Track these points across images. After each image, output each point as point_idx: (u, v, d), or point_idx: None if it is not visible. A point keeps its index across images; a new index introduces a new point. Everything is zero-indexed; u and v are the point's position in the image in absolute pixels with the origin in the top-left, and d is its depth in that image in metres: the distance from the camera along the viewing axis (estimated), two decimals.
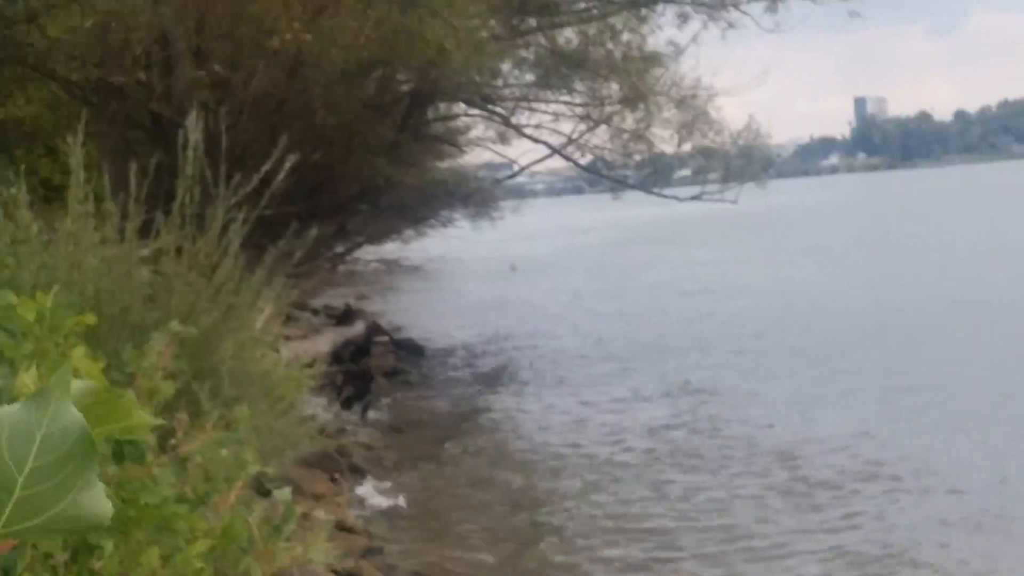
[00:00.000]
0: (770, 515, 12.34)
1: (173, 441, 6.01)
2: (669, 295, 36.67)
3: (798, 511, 12.50)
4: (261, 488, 8.20)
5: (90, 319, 5.39)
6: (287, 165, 10.32)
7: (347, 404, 19.54)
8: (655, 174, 28.61)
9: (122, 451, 5.18)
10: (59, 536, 1.26)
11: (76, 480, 1.23)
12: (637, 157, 27.80)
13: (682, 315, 31.51)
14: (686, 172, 32.23)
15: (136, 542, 5.15)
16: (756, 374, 21.29)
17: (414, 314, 35.29)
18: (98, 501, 1.25)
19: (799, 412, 17.66)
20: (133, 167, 9.30)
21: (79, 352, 5.08)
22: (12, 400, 3.72)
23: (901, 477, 13.50)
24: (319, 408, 11.54)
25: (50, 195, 14.31)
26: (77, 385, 1.30)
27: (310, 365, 11.41)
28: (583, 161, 28.77)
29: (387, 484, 14.29)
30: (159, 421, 1.44)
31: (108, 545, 5.00)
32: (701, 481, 13.84)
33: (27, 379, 4.23)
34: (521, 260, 55.48)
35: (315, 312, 29.11)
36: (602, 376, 22.62)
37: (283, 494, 7.24)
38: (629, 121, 26.07)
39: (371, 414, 19.06)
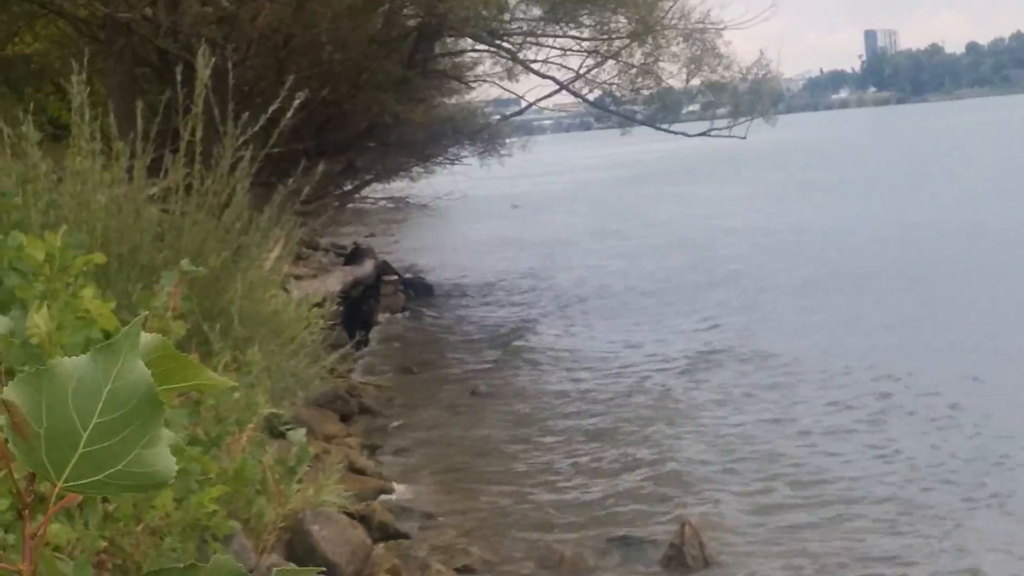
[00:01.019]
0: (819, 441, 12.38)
1: (235, 384, 5.95)
2: (678, 231, 36.55)
3: (842, 437, 12.53)
4: (273, 430, 8.14)
5: (99, 258, 5.31)
6: (295, 102, 10.23)
7: (357, 345, 19.57)
8: (663, 109, 28.43)
9: None
10: (121, 492, 1.23)
11: (141, 437, 1.19)
12: (645, 92, 27.60)
13: (691, 251, 31.40)
14: (695, 107, 32.07)
15: None
16: (773, 307, 21.20)
17: (423, 252, 35.26)
18: (162, 458, 1.21)
19: (827, 340, 17.63)
20: (140, 105, 9.21)
21: (89, 292, 5.00)
22: (24, 340, 3.64)
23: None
24: (329, 348, 11.47)
25: (59, 133, 14.22)
26: (144, 339, 1.25)
27: (320, 305, 11.35)
28: (591, 97, 28.60)
29: (399, 424, 14.26)
30: (229, 382, 1.39)
31: None
32: (728, 413, 13.79)
33: (38, 319, 4.16)
34: (529, 197, 55.45)
35: (324, 251, 29.05)
36: (612, 312, 22.60)
37: (298, 435, 7.19)
38: (637, 55, 25.88)
39: (380, 354, 19.01)
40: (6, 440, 1.22)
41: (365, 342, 20.54)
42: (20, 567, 1.23)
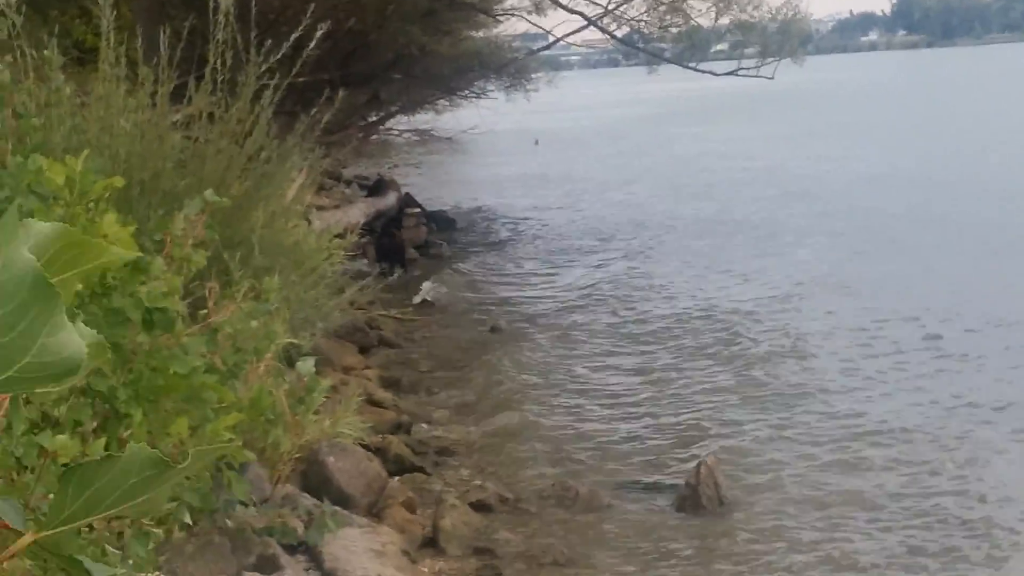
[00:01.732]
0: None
1: (204, 311, 5.94)
2: (701, 171, 36.39)
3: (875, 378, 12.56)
4: (292, 360, 8.14)
5: (118, 182, 5.29)
6: (319, 32, 10.19)
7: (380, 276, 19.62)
8: (691, 48, 28.24)
9: (152, 320, 5.11)
10: (38, 385, 1.19)
11: (41, 326, 1.15)
12: (673, 30, 27.43)
13: (714, 191, 31.27)
14: (723, 47, 31.89)
15: (165, 412, 5.10)
16: (797, 250, 21.12)
17: (446, 186, 35.18)
18: (68, 343, 1.17)
19: (852, 283, 17.61)
20: (166, 31, 9.17)
21: (109, 217, 4.99)
22: None
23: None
24: (350, 280, 11.47)
25: (84, 57, 14.17)
26: (39, 229, 1.21)
27: (341, 236, 11.34)
28: (619, 33, 28.44)
29: (418, 358, 14.26)
30: (134, 254, 1.36)
31: (137, 414, 4.95)
32: (752, 356, 13.76)
33: None
34: (554, 134, 55.23)
35: (347, 182, 28.99)
36: (636, 250, 22.52)
37: (306, 365, 7.19)
38: None
39: (400, 286, 19.00)
40: None
41: (401, 267, 20.69)
42: None
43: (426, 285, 19.12)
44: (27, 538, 1.24)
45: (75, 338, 1.18)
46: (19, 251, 1.16)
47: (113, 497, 1.20)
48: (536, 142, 49.54)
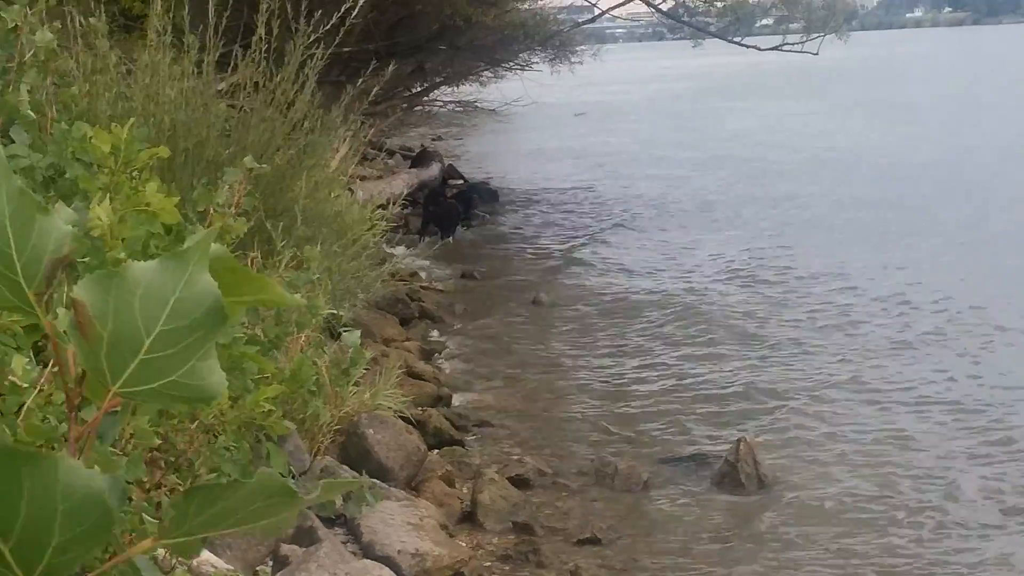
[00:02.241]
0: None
1: (302, 303, 5.94)
2: (743, 146, 36.21)
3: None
4: (332, 331, 8.15)
5: (164, 152, 5.27)
6: (366, 4, 10.17)
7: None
8: (736, 22, 28.19)
9: None
10: (170, 403, 1.22)
11: (199, 348, 1.20)
12: (719, 4, 27.40)
13: (756, 167, 31.10)
14: (768, 21, 31.81)
15: None
16: (841, 226, 21.01)
17: (489, 158, 35.13)
18: (214, 372, 1.23)
19: (896, 262, 17.51)
20: None
21: (153, 186, 4.97)
22: (85, 232, 3.61)
23: None
24: (393, 251, 11.48)
25: (130, 25, 14.19)
26: (212, 250, 1.23)
27: (384, 207, 11.34)
28: (664, 7, 28.40)
29: (459, 331, 14.26)
30: (297, 300, 1.38)
31: None
32: (798, 333, 13.70)
33: (100, 212, 4.13)
34: (597, 107, 55.12)
35: (390, 153, 29.00)
36: (679, 224, 22.42)
37: (352, 336, 7.18)
38: None
39: (443, 258, 18.99)
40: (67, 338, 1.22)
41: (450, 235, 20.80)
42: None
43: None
44: (147, 542, 1.26)
45: (219, 370, 1.23)
46: (204, 272, 1.18)
47: (236, 517, 1.22)
48: (578, 114, 49.32)
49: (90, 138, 5.06)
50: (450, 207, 21.91)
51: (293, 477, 6.08)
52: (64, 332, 1.21)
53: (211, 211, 5.70)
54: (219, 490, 1.20)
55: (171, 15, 8.83)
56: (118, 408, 1.30)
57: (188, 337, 1.17)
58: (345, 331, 7.24)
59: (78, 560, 1.15)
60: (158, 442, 4.22)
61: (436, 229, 21.05)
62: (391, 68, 11.11)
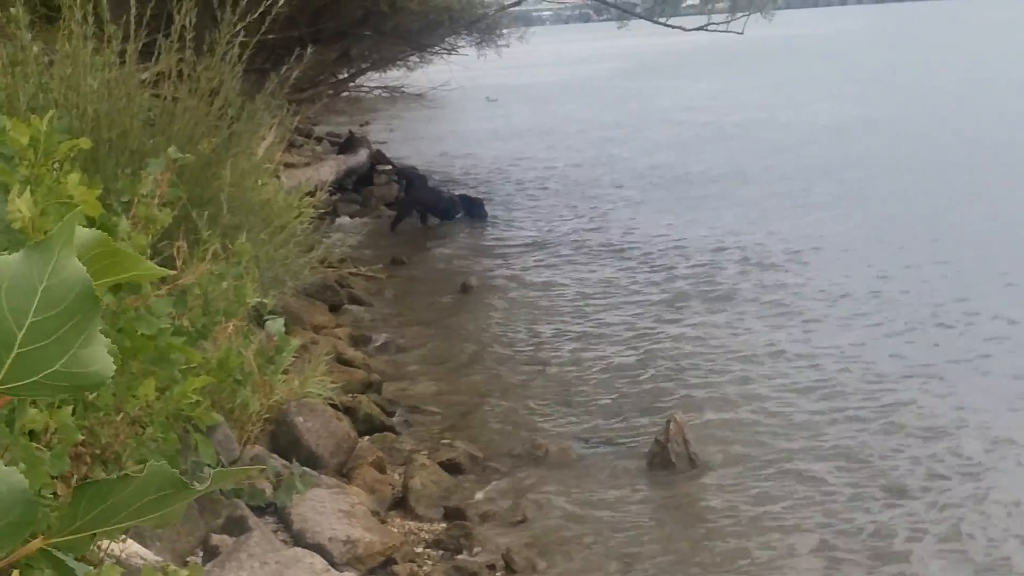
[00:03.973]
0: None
1: (173, 272, 5.91)
2: (672, 123, 36.46)
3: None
4: (260, 319, 8.13)
5: (85, 143, 5.24)
6: None
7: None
8: (662, 3, 28.31)
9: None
10: (58, 393, 1.21)
11: (77, 336, 1.19)
12: None
13: (681, 146, 31.28)
14: (694, 1, 31.92)
15: (131, 374, 5.07)
16: (768, 205, 21.13)
17: (417, 143, 35.08)
18: (99, 358, 1.21)
19: (825, 239, 17.61)
20: None
21: (74, 178, 4.95)
22: (6, 226, 3.59)
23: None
24: (320, 237, 11.45)
25: (52, 15, 14.06)
26: (79, 234, 1.22)
27: (312, 194, 11.32)
28: None
29: (389, 316, 14.25)
30: (165, 271, 1.36)
31: None
32: (725, 315, 13.78)
33: (21, 205, 4.11)
34: (525, 89, 55.24)
35: (318, 139, 28.93)
36: (607, 204, 22.46)
37: (276, 324, 7.17)
38: None
39: (371, 244, 18.98)
40: None
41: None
42: None
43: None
44: (36, 542, 1.25)
45: (105, 354, 1.20)
46: (71, 259, 1.17)
47: (127, 512, 1.22)
48: (490, 99, 49.17)
49: (8, 130, 5.03)
50: (437, 194, 21.88)
51: (222, 466, 6.07)
52: None
53: (135, 201, 5.68)
54: (109, 485, 1.20)
55: (92, 5, 8.77)
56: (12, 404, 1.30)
57: (63, 325, 1.16)
58: (269, 319, 7.23)
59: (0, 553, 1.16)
60: (81, 437, 4.21)
61: (419, 214, 21.16)
62: (309, 52, 11.04)
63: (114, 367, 1.21)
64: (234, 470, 1.34)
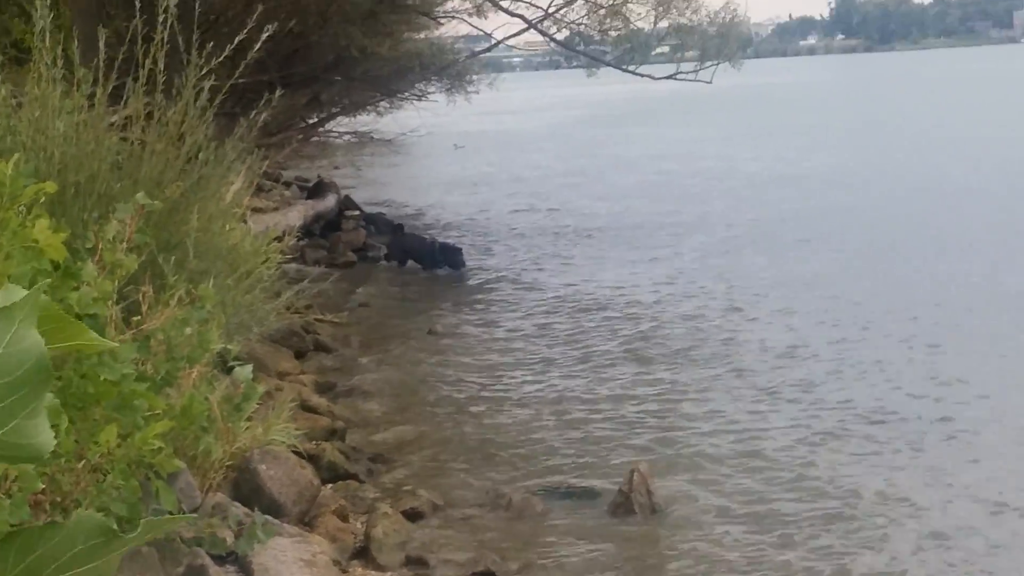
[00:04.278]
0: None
1: (137, 318, 5.90)
2: (635, 172, 36.79)
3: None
4: (225, 365, 8.10)
5: (51, 187, 5.24)
6: (264, 35, 10.14)
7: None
8: (632, 51, 28.39)
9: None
10: None
11: (24, 406, 1.18)
12: (613, 33, 27.56)
13: (648, 192, 31.53)
14: (664, 49, 32.08)
15: (93, 420, 5.06)
16: (730, 253, 21.23)
17: (385, 188, 35.15)
18: (42, 431, 1.20)
19: (785, 287, 17.71)
20: (105, 31, 9.11)
21: (42, 223, 4.95)
22: None
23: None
24: (288, 283, 11.43)
25: (22, 57, 14.05)
26: (18, 295, 1.21)
27: (280, 239, 11.30)
28: (559, 36, 28.57)
29: (354, 363, 14.23)
30: (109, 343, 1.35)
31: (64, 423, 4.91)
32: (684, 361, 13.81)
33: None
34: (495, 135, 55.48)
35: (287, 184, 28.97)
36: (573, 251, 22.61)
37: (243, 372, 7.15)
38: None
39: (338, 290, 18.96)
40: None
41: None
42: None
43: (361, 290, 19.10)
44: None
45: (47, 427, 1.19)
46: (30, 330, 1.16)
47: (57, 563, 1.20)
48: (457, 146, 49.26)
49: None
50: (422, 241, 22.02)
51: (183, 514, 6.05)
52: None
53: (100, 246, 5.67)
54: (38, 533, 1.19)
55: (62, 47, 8.76)
56: None
57: (12, 394, 1.15)
58: (237, 365, 7.21)
59: None
60: (42, 485, 4.19)
61: (403, 259, 21.30)
62: (278, 95, 11.04)
63: (54, 442, 1.20)
64: (165, 519, 1.33)
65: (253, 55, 10.07)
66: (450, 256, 21.44)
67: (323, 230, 24.36)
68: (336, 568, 7.36)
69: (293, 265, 14.03)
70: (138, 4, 9.01)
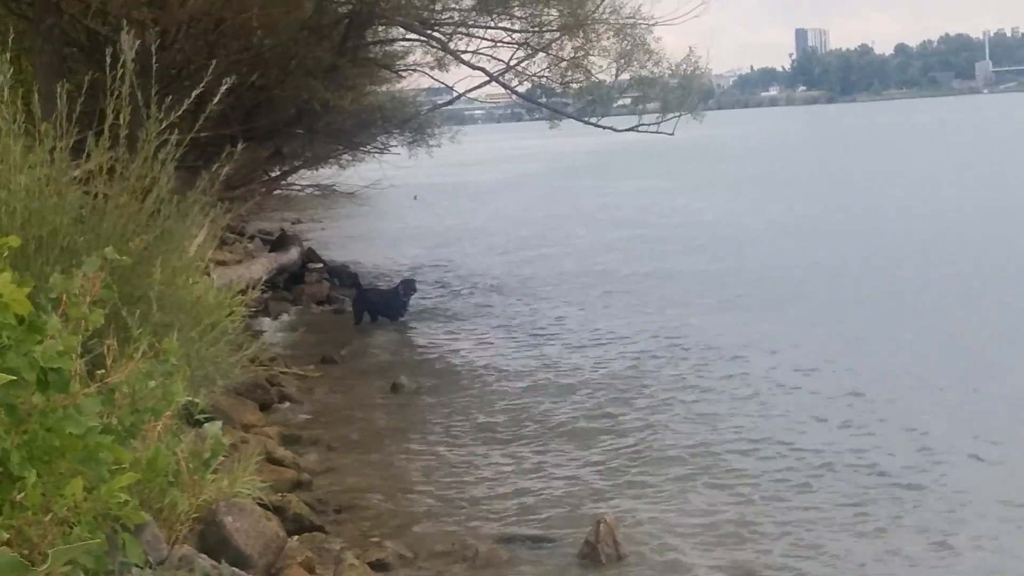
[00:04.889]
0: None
1: (102, 371, 5.89)
2: (597, 225, 37.01)
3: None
4: (190, 417, 8.09)
5: (14, 242, 5.24)
6: (223, 88, 10.15)
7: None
8: (593, 103, 28.50)
9: (47, 379, 5.06)
10: None
11: None
12: (575, 86, 27.69)
13: (614, 245, 31.69)
14: (625, 101, 32.22)
15: (59, 473, 5.04)
16: (696, 301, 21.33)
17: (348, 241, 35.19)
18: None
19: (749, 334, 17.80)
20: (66, 85, 9.11)
21: (5, 277, 4.94)
22: None
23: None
24: (252, 335, 11.42)
25: None
26: None
27: (243, 292, 11.29)
28: (521, 89, 28.70)
29: (319, 415, 14.21)
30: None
31: (31, 476, 4.89)
32: (648, 410, 13.84)
33: None
34: (457, 187, 55.72)
35: (250, 237, 28.96)
36: (535, 307, 22.65)
37: (213, 427, 7.15)
38: (568, 49, 25.92)
39: (303, 343, 18.97)
40: None
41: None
42: None
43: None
44: None
45: None
46: None
47: None
48: (415, 197, 49.40)
49: None
50: (389, 294, 22.00)
51: (150, 566, 6.02)
52: None
53: (64, 300, 5.66)
54: None
55: (22, 102, 8.76)
56: None
57: None
58: (205, 419, 7.21)
59: None
60: (7, 536, 4.17)
61: (372, 316, 21.23)
62: (240, 148, 11.06)
63: None
64: (75, 546, 1.34)
65: (213, 108, 10.09)
66: (408, 288, 21.59)
67: (287, 283, 24.38)
68: None
69: (257, 318, 13.98)
70: (99, 58, 9.03)
